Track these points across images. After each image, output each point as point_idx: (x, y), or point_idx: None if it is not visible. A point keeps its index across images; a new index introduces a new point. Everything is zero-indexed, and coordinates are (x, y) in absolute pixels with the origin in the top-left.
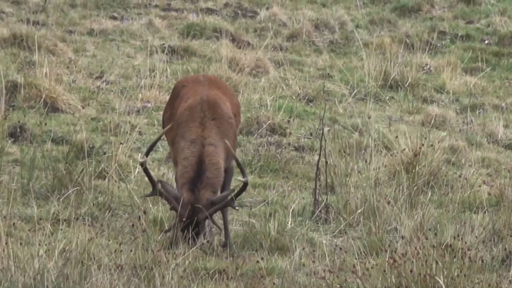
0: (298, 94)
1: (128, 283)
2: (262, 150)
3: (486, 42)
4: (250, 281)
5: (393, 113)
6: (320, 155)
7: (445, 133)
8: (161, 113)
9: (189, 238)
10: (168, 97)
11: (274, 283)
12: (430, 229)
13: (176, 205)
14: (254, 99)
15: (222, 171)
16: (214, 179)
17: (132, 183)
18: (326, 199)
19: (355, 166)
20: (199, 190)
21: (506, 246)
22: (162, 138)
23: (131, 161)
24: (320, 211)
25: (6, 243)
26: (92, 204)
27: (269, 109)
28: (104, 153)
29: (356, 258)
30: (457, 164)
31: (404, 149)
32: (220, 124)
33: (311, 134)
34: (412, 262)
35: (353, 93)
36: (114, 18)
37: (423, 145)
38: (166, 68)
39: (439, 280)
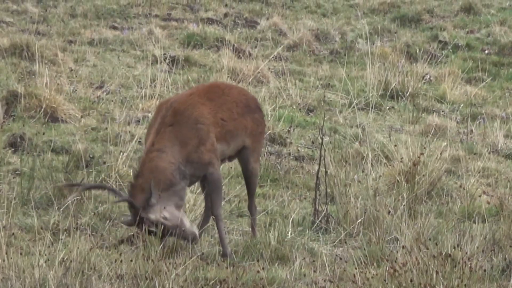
0: (299, 104)
1: None
2: (262, 160)
3: (486, 52)
4: None
5: (394, 123)
6: (320, 165)
7: (445, 143)
8: None
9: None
10: None
11: None
12: (430, 239)
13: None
14: None
15: (166, 173)
16: (146, 183)
17: None
18: (326, 209)
19: (355, 176)
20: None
21: (506, 256)
22: None
23: (130, 171)
24: (320, 221)
25: (6, 253)
26: (92, 213)
27: (269, 119)
28: (104, 163)
29: (356, 268)
30: (457, 174)
31: (402, 158)
32: (179, 129)
33: (312, 144)
34: (412, 271)
35: (354, 103)
36: (115, 28)
37: (422, 154)
38: (167, 78)
39: None
